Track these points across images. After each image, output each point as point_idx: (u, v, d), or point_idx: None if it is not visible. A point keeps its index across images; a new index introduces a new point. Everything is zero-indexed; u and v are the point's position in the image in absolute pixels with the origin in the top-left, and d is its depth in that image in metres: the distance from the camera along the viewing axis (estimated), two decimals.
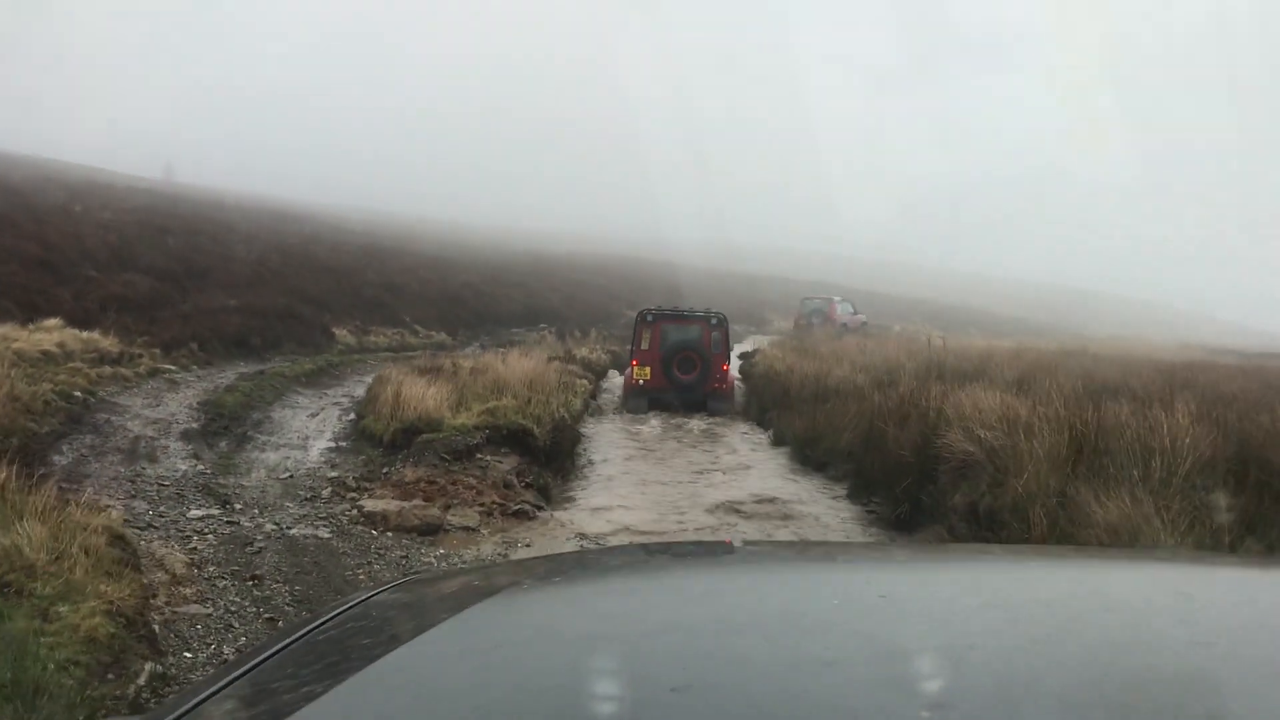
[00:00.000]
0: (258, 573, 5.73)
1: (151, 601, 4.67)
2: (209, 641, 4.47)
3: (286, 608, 5.19)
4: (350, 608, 1.38)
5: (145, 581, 4.92)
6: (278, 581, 5.67)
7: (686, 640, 1.15)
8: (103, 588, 3.98)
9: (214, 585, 5.38)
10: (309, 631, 1.28)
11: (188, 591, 5.08)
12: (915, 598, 1.38)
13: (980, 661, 1.04)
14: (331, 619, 1.33)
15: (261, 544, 6.70)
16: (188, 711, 1.02)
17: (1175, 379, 14.00)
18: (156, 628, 4.38)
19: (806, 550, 2.47)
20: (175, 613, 4.72)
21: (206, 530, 6.92)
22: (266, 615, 4.99)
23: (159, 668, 3.81)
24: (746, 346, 25.25)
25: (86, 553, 4.19)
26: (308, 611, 5.03)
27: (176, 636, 4.43)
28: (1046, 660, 1.06)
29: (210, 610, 4.88)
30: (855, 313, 34.95)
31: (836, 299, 35.67)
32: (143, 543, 6.28)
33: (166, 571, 5.40)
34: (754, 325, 37.39)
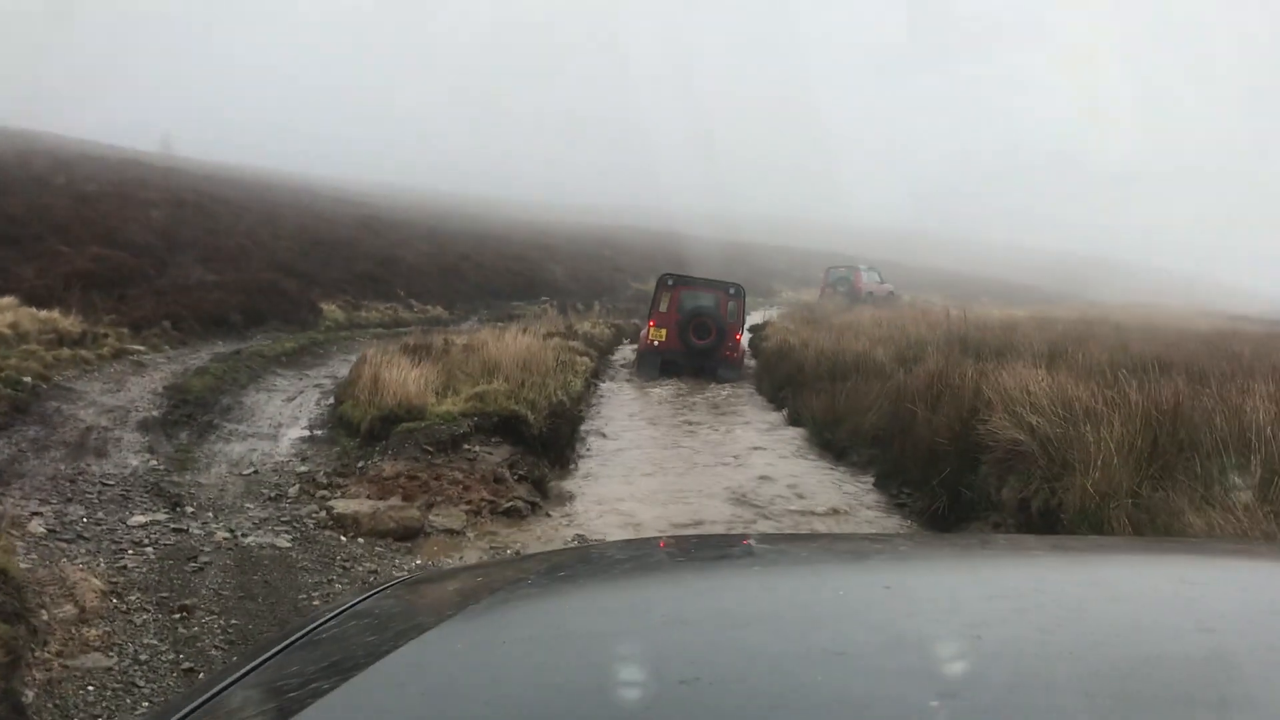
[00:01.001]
0: (188, 602, 4.78)
1: (37, 654, 3.73)
2: (97, 711, 3.52)
3: (214, 651, 4.24)
4: (353, 605, 1.34)
5: (36, 624, 3.99)
6: (212, 613, 4.74)
7: (694, 633, 1.13)
8: None
9: (130, 622, 4.42)
10: (312, 630, 1.23)
11: (92, 634, 4.13)
12: (921, 588, 1.36)
13: (987, 650, 1.03)
14: (334, 617, 1.29)
15: (207, 558, 5.78)
16: (192, 712, 0.99)
17: (1220, 351, 13.01)
18: (30, 695, 3.45)
19: (812, 542, 2.40)
20: (66, 667, 3.77)
21: (146, 541, 5.99)
22: (186, 665, 4.04)
23: None
24: (755, 319, 24.22)
25: None
26: (236, 658, 4.10)
27: (55, 706, 3.48)
28: (1053, 648, 1.04)
29: (113, 661, 3.93)
30: (882, 281, 33.70)
31: (862, 267, 34.49)
32: (64, 560, 5.36)
33: (75, 604, 4.47)
34: (762, 296, 36.12)
